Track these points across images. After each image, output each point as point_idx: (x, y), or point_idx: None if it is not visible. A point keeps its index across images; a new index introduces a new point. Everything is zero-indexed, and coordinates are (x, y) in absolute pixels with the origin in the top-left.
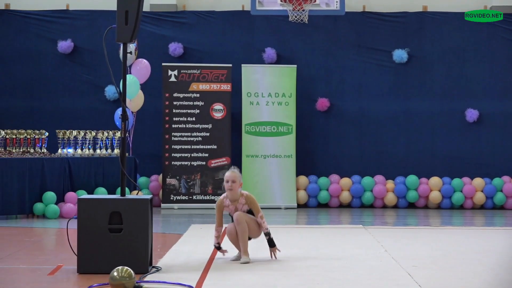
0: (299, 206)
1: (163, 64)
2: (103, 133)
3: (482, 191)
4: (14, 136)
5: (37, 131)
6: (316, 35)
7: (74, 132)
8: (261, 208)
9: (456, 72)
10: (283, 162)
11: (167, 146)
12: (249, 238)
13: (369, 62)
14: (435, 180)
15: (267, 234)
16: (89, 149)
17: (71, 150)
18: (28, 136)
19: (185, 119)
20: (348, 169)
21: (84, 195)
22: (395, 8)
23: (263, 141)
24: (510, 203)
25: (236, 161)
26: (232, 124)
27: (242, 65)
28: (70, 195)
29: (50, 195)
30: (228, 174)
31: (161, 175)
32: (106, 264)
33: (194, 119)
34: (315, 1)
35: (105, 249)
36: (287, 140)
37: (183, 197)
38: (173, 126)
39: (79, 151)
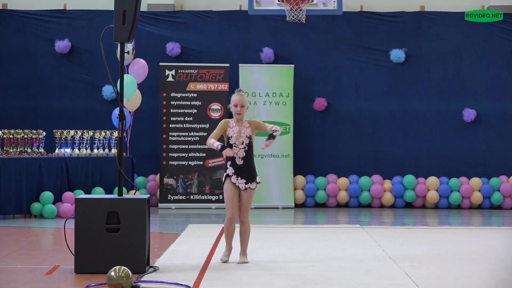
0: (297, 206)
1: (161, 63)
2: (100, 133)
3: (479, 190)
4: (11, 136)
5: (35, 131)
6: (314, 35)
7: (72, 132)
8: (258, 208)
9: (454, 72)
10: (280, 162)
11: (164, 146)
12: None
13: (366, 61)
14: (432, 180)
15: (275, 132)
16: (86, 149)
17: (68, 150)
18: (26, 136)
19: (183, 118)
20: (346, 168)
21: (81, 195)
22: (392, 7)
23: (260, 140)
24: (507, 203)
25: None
26: None
27: (240, 65)
28: (67, 195)
29: (47, 195)
30: (237, 98)
31: (158, 175)
32: (103, 264)
33: (191, 118)
34: (312, 0)
35: (103, 249)
36: (284, 140)
37: (181, 197)
38: (170, 126)
39: (76, 151)
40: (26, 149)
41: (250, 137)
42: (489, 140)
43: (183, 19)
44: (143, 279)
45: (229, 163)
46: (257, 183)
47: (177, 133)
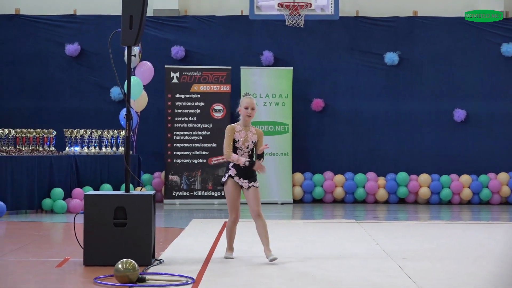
0: (295, 201)
1: (166, 66)
2: (108, 132)
3: (469, 187)
4: (23, 135)
5: (46, 130)
6: (312, 39)
7: (81, 131)
8: None
9: (445, 74)
10: (279, 160)
11: (169, 145)
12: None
13: (362, 64)
14: (424, 177)
15: (262, 152)
16: (95, 147)
17: (77, 148)
18: (37, 135)
19: (187, 118)
20: (342, 166)
21: (90, 191)
22: (386, 13)
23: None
24: (495, 199)
25: None
26: (231, 123)
27: (241, 67)
28: (77, 191)
29: (58, 191)
30: (248, 101)
31: (163, 172)
32: (111, 256)
33: (195, 118)
34: (310, 6)
35: (110, 243)
36: (283, 138)
37: (185, 193)
38: (175, 125)
39: (85, 149)
40: (37, 148)
41: (254, 143)
42: (478, 139)
43: (187, 24)
44: (148, 271)
45: (231, 164)
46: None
47: (181, 132)
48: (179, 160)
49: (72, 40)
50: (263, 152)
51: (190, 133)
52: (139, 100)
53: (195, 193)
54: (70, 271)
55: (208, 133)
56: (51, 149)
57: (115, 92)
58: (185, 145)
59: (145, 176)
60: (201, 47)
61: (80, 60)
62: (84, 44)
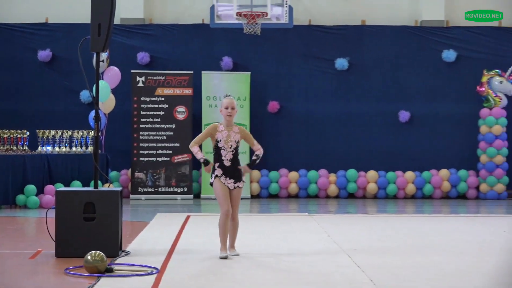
0: (253, 196)
1: (132, 71)
2: (78, 133)
3: (413, 183)
4: None
5: (19, 131)
6: (268, 46)
7: (53, 132)
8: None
9: (390, 78)
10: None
11: (135, 144)
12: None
13: (314, 69)
14: (371, 173)
15: (257, 156)
16: (66, 146)
17: (49, 148)
18: (11, 135)
19: (151, 120)
20: (296, 164)
21: (61, 187)
22: (337, 21)
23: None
24: (437, 193)
25: None
26: (193, 124)
27: (202, 72)
28: (49, 187)
29: (31, 188)
30: (228, 101)
31: (130, 169)
32: (81, 248)
33: (159, 120)
34: (266, 15)
35: (80, 236)
36: None
37: (150, 189)
38: (140, 126)
39: (57, 148)
40: (11, 147)
41: (238, 142)
42: (422, 138)
43: (152, 32)
44: (116, 262)
45: (217, 164)
46: (243, 182)
47: (147, 133)
48: (145, 159)
49: (44, 46)
50: (255, 158)
51: (155, 133)
52: (107, 102)
53: (159, 189)
54: (42, 263)
55: (172, 133)
56: (24, 148)
57: (85, 95)
58: (150, 144)
59: (112, 174)
60: (165, 53)
61: (52, 65)
62: (56, 50)
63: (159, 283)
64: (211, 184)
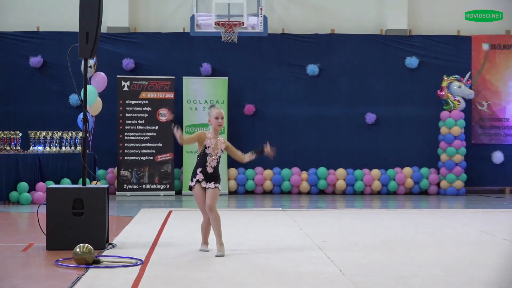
0: (230, 193)
1: (118, 76)
2: (67, 134)
3: (378, 180)
4: None
5: (12, 132)
6: (244, 53)
7: (44, 133)
8: None
9: (358, 83)
10: None
11: (121, 144)
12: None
13: (287, 74)
14: (340, 171)
15: (254, 153)
16: (56, 146)
17: (41, 148)
18: (5, 136)
19: (136, 121)
20: (270, 162)
21: (52, 185)
22: (308, 30)
23: None
24: (401, 190)
25: (179, 157)
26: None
27: (183, 77)
28: (40, 185)
29: (23, 185)
30: (217, 111)
31: (116, 168)
32: (70, 242)
33: (143, 121)
34: (243, 24)
35: (69, 230)
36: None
37: (134, 186)
38: (126, 127)
39: (47, 148)
40: (5, 147)
41: (222, 151)
42: (387, 138)
43: (136, 39)
44: (103, 254)
45: (199, 169)
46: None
47: (132, 134)
48: (130, 158)
49: (35, 53)
50: (261, 150)
51: (139, 134)
52: (94, 105)
53: (143, 186)
54: (34, 255)
55: (155, 134)
56: (17, 148)
57: (74, 99)
58: (134, 144)
59: (100, 172)
60: (148, 60)
61: (43, 70)
62: (46, 56)
63: (143, 274)
64: (190, 188)
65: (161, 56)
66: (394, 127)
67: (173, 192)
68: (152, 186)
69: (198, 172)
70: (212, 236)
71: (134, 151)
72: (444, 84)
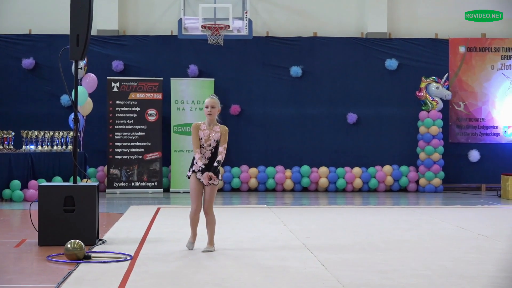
0: (217, 190)
1: (108, 77)
2: (59, 133)
3: (360, 177)
4: None
5: (5, 131)
6: (230, 55)
7: (36, 132)
8: (186, 192)
9: (340, 84)
10: None
11: (110, 143)
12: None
13: (271, 76)
14: (323, 169)
15: (218, 162)
16: (47, 145)
17: (33, 147)
18: None
19: (125, 121)
20: (255, 160)
21: (43, 182)
22: (292, 33)
23: (188, 139)
24: (381, 187)
25: (167, 155)
26: (163, 125)
27: (171, 78)
28: (32, 182)
29: (16, 183)
30: (208, 100)
31: (106, 166)
32: (61, 238)
33: (132, 121)
34: (229, 28)
35: (61, 226)
36: None
37: (124, 184)
38: (115, 127)
39: (39, 147)
40: None
41: (217, 141)
42: (367, 138)
43: (125, 42)
44: (93, 249)
45: (195, 160)
46: (219, 180)
47: (121, 133)
48: (119, 156)
49: (27, 55)
50: (215, 168)
51: (128, 133)
52: (85, 106)
53: (132, 184)
54: (26, 251)
55: (144, 133)
56: (10, 147)
57: (65, 99)
58: (124, 143)
59: (90, 170)
60: (137, 61)
61: (35, 72)
62: (38, 58)
63: (133, 269)
64: (188, 177)
65: (149, 58)
66: (375, 127)
67: (161, 190)
68: (141, 184)
69: (194, 163)
70: (200, 228)
71: (124, 150)
72: (423, 85)
